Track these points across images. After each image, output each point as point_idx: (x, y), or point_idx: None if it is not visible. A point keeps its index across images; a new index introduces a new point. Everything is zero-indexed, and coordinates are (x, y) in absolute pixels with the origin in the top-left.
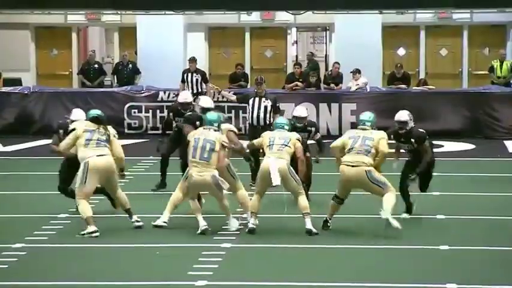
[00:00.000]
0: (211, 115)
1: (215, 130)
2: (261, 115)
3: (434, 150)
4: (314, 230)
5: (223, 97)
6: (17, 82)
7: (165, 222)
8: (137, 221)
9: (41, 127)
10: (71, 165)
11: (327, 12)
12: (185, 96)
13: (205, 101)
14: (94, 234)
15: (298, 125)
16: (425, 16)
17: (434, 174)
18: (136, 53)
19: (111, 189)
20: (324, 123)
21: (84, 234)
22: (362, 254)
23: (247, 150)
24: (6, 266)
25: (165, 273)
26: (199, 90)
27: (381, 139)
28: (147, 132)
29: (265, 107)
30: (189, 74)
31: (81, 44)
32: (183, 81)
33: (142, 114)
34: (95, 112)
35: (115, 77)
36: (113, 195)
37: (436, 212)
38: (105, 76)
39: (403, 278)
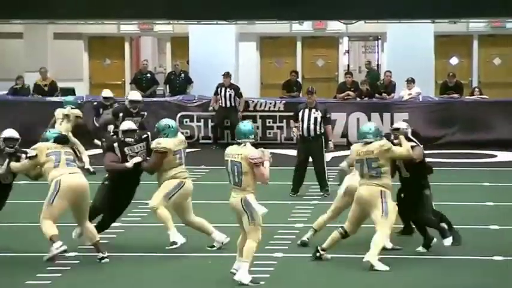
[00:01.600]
0: (244, 125)
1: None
2: (311, 126)
3: (488, 160)
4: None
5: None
6: (71, 91)
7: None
8: (103, 258)
9: (94, 136)
10: None
11: (379, 21)
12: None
13: (134, 94)
14: (61, 249)
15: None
16: (478, 25)
17: (487, 184)
18: (188, 63)
19: (80, 215)
20: None
21: (48, 257)
22: (417, 265)
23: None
24: (60, 275)
25: (217, 282)
26: (233, 104)
27: (384, 148)
28: (198, 141)
29: (315, 119)
30: (223, 89)
31: (134, 53)
32: (216, 93)
33: (194, 123)
34: (56, 132)
35: (167, 86)
36: (81, 223)
37: (490, 223)
38: (157, 86)
39: None
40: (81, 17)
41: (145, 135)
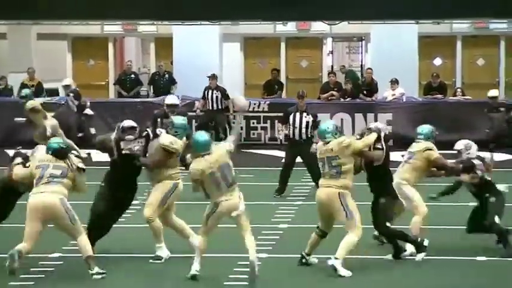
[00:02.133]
0: (201, 135)
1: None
2: (303, 130)
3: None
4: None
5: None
6: (54, 92)
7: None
8: (98, 273)
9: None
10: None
11: (363, 22)
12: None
13: (171, 98)
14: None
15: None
16: (461, 26)
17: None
18: (172, 63)
19: (67, 232)
20: None
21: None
22: (408, 265)
23: None
24: (43, 276)
25: (203, 283)
26: (220, 107)
27: (343, 145)
28: None
29: (307, 123)
30: (210, 91)
31: (118, 54)
32: (203, 98)
33: None
34: (56, 142)
35: (151, 87)
36: (73, 238)
37: None
38: (141, 86)
39: None
40: (81, 17)
41: (145, 133)
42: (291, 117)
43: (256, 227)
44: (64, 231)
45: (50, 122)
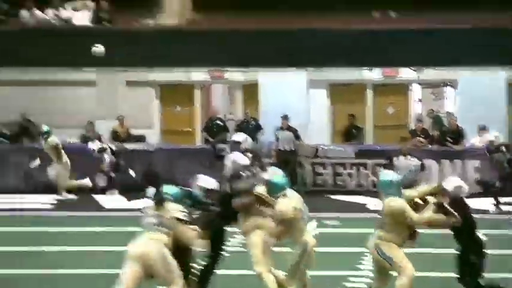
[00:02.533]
0: (277, 178)
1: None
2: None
3: None
4: None
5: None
6: (142, 139)
7: None
8: None
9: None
10: None
11: (450, 68)
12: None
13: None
14: None
15: None
16: None
17: None
18: (258, 110)
19: (163, 282)
20: None
21: None
22: None
23: None
24: None
25: None
26: (291, 148)
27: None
28: None
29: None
30: (280, 132)
31: (205, 101)
32: (277, 139)
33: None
34: (166, 189)
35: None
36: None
37: None
38: (228, 133)
39: None
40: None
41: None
42: (395, 159)
43: (342, 274)
44: (160, 279)
45: (65, 159)
